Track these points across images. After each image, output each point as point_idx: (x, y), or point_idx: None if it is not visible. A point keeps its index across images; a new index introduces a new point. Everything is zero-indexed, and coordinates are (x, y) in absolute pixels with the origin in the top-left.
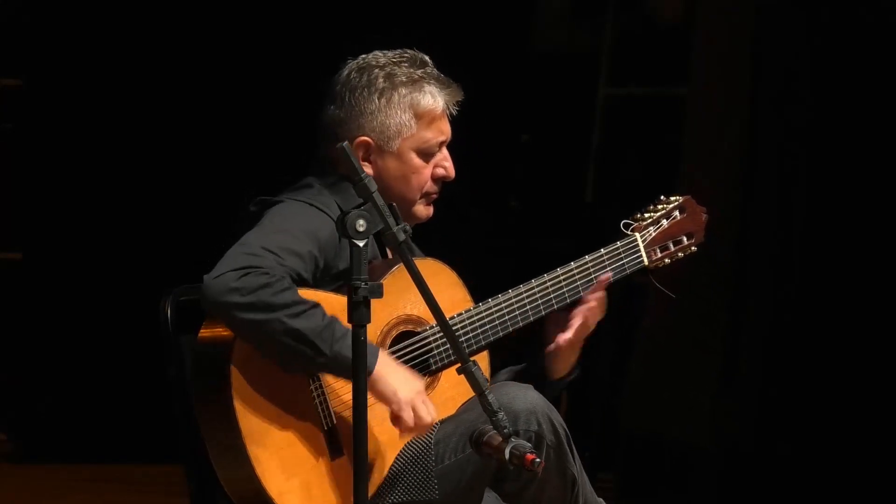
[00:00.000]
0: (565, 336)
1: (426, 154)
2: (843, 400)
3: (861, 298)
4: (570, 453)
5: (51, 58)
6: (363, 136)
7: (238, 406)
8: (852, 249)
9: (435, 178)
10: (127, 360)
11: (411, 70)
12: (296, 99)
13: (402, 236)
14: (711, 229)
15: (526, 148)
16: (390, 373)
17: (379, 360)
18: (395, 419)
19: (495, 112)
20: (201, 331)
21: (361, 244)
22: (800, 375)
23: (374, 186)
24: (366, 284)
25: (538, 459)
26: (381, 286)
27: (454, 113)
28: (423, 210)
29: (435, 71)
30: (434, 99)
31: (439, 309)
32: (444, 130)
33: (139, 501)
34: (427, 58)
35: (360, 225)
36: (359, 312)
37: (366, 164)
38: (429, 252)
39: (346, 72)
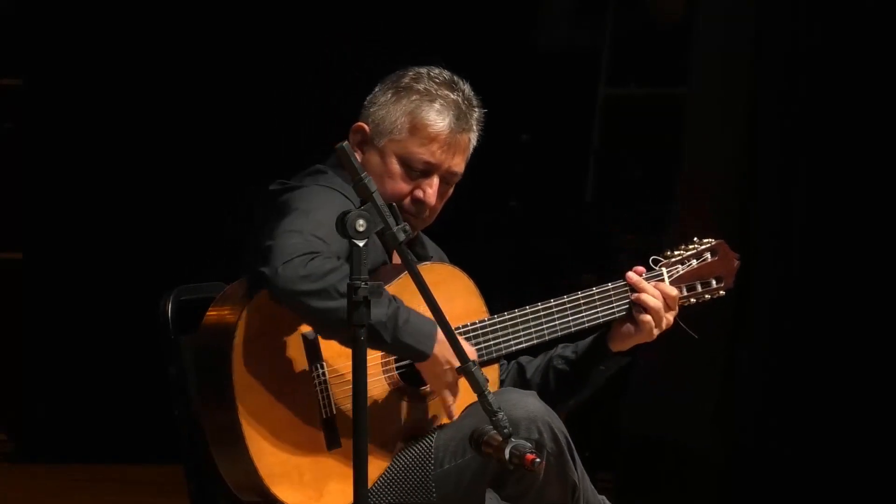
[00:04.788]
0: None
1: (407, 165)
2: (843, 400)
3: (862, 298)
4: (570, 460)
5: (51, 58)
6: (364, 122)
7: (237, 384)
8: (853, 249)
9: (414, 199)
10: (127, 360)
11: (435, 85)
12: (294, 99)
13: (401, 236)
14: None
15: (526, 148)
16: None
17: (437, 337)
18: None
19: (495, 112)
20: (208, 312)
21: (361, 244)
22: (800, 375)
23: (374, 186)
24: (366, 284)
25: (538, 459)
26: (381, 285)
27: (467, 154)
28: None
29: (461, 100)
30: (438, 117)
31: (438, 308)
32: (434, 153)
33: (139, 501)
34: (466, 89)
35: (360, 225)
36: (359, 312)
37: (357, 149)
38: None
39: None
